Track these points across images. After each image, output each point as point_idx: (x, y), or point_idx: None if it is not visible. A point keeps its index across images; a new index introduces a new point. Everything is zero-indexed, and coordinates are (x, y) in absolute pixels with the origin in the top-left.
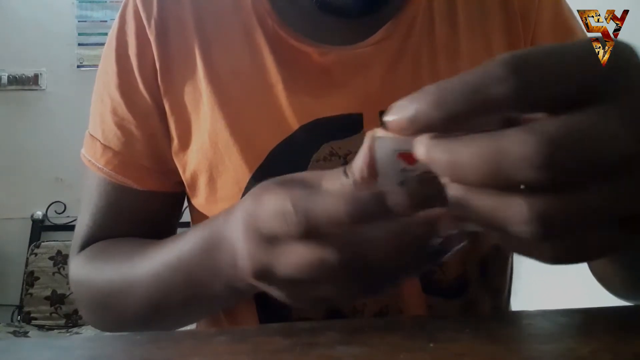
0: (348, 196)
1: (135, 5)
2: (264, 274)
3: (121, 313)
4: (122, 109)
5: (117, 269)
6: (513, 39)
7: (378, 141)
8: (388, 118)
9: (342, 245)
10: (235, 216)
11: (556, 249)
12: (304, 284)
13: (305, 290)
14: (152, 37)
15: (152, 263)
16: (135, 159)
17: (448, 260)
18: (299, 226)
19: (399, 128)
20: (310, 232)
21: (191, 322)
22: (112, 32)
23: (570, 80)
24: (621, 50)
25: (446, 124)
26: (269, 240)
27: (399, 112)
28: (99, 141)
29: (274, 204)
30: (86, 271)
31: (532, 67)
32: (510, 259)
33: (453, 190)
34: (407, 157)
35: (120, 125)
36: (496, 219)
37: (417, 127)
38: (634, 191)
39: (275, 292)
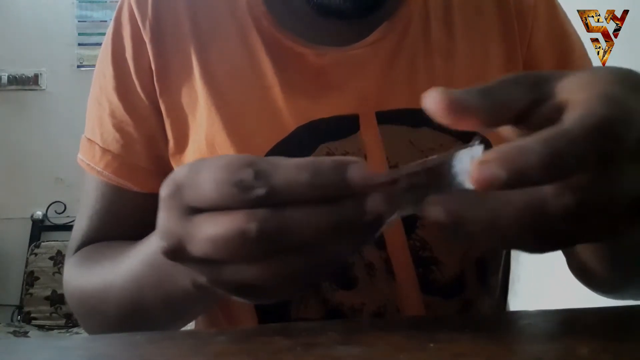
0: (311, 163)
1: (130, 7)
2: (176, 250)
3: (103, 316)
4: (121, 111)
5: (98, 272)
6: (509, 41)
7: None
8: (483, 172)
9: (267, 219)
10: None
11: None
12: (220, 265)
13: (224, 272)
14: (147, 39)
15: (127, 263)
16: (135, 161)
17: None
18: (260, 187)
19: (492, 186)
20: (269, 195)
21: (179, 325)
22: (108, 35)
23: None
24: None
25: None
26: (188, 210)
27: (497, 166)
28: (98, 144)
29: (229, 163)
30: (73, 274)
31: (610, 137)
32: (504, 258)
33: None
34: (387, 184)
35: (119, 128)
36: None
37: (516, 186)
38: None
39: (196, 274)
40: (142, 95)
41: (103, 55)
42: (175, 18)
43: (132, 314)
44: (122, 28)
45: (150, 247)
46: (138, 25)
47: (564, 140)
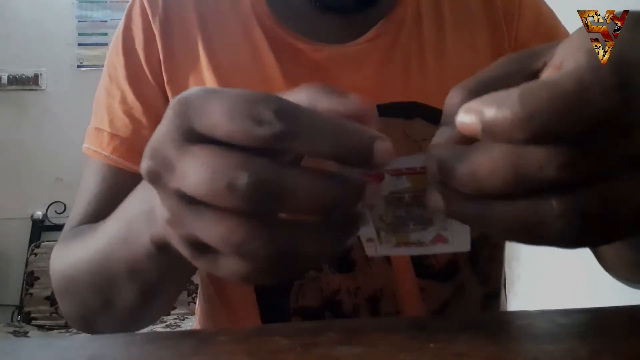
0: (340, 121)
1: (142, 4)
2: (157, 172)
3: (76, 289)
4: (131, 98)
5: (79, 243)
6: (497, 38)
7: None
8: (462, 119)
9: (263, 173)
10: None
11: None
12: (192, 203)
13: (191, 212)
14: (157, 32)
15: (104, 225)
16: (143, 146)
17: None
18: (277, 124)
19: (471, 133)
20: (283, 135)
21: (150, 309)
22: (119, 30)
23: None
24: None
25: (526, 142)
26: (188, 134)
27: (474, 116)
28: (106, 131)
29: (251, 94)
30: (56, 253)
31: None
32: (502, 247)
33: (471, 208)
34: (375, 177)
35: (129, 114)
36: (525, 223)
37: (493, 139)
38: None
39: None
40: (152, 82)
41: (113, 48)
42: (183, 14)
43: (100, 281)
44: (132, 22)
45: (127, 201)
46: (149, 19)
47: (544, 92)
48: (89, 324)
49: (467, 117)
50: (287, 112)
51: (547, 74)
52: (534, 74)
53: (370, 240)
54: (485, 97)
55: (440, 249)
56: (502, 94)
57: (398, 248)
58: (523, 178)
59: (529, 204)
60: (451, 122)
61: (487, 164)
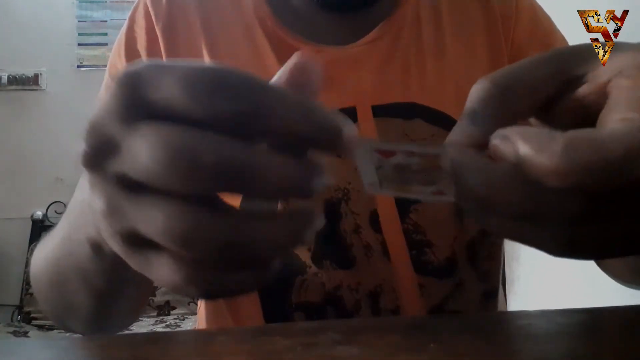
0: (310, 104)
1: (146, 6)
2: (98, 153)
3: (39, 288)
4: None
5: (42, 246)
6: (494, 41)
7: (360, 140)
8: (496, 144)
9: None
10: None
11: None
12: (142, 190)
13: (141, 200)
14: (160, 34)
15: (54, 229)
16: None
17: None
18: (247, 101)
19: (501, 157)
20: (252, 114)
21: (111, 315)
22: (122, 32)
23: None
24: None
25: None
26: (139, 112)
27: (509, 146)
28: None
29: (216, 68)
30: (34, 253)
31: None
32: (501, 245)
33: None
34: (384, 153)
35: None
36: (521, 235)
37: (521, 169)
38: None
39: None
40: None
41: (115, 51)
42: (186, 17)
43: (55, 282)
44: (135, 24)
45: (74, 198)
46: (152, 21)
47: (590, 153)
48: (63, 324)
49: (502, 145)
50: (254, 87)
51: (588, 89)
52: (571, 81)
53: (372, 184)
54: (527, 132)
55: (437, 198)
56: (545, 136)
57: (398, 193)
58: (534, 214)
59: (528, 225)
60: (473, 116)
61: (503, 195)
